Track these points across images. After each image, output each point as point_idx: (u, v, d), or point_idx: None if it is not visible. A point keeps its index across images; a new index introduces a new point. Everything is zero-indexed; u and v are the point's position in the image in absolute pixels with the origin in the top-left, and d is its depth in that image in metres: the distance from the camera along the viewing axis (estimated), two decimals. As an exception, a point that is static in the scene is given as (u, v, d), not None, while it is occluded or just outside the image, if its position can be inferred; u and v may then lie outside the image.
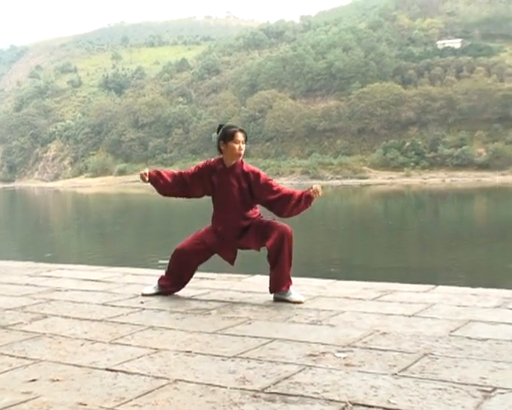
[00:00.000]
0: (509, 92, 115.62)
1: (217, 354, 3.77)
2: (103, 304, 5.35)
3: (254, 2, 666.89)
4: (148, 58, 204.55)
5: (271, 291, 5.32)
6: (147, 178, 5.62)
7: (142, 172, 5.64)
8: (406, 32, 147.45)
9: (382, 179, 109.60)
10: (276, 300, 5.24)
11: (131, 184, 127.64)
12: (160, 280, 5.69)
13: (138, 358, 3.74)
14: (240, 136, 5.40)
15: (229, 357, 3.70)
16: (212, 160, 5.64)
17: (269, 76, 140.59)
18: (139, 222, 38.67)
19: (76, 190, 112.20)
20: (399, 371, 3.33)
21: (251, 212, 5.51)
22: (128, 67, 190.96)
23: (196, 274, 6.82)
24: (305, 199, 5.31)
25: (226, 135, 5.42)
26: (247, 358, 3.67)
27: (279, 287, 5.27)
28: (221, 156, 5.52)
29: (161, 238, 27.30)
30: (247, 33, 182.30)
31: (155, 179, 5.64)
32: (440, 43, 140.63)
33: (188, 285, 5.98)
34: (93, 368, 3.57)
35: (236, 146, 5.38)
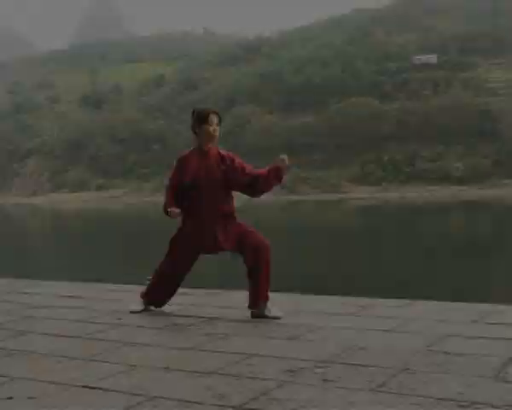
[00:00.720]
0: (485, 107, 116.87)
1: (194, 370, 3.75)
2: (81, 321, 5.31)
3: (232, 17, 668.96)
4: (126, 74, 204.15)
5: (249, 307, 5.29)
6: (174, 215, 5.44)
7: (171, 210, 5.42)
8: (383, 47, 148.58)
9: (361, 194, 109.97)
10: (254, 316, 5.22)
11: (110, 200, 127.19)
12: (144, 295, 5.64)
13: (115, 374, 3.72)
14: (213, 118, 5.39)
15: (206, 373, 3.68)
16: (186, 151, 5.61)
17: (247, 91, 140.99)
18: (118, 237, 38.45)
19: (54, 206, 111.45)
20: (377, 387, 3.33)
21: (230, 200, 5.47)
22: (106, 83, 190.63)
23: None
24: (274, 172, 5.31)
25: (200, 117, 5.41)
26: (225, 374, 3.65)
27: (256, 303, 5.24)
28: (195, 145, 5.50)
29: (140, 253, 27.17)
30: (225, 49, 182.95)
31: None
32: (417, 59, 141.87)
33: (166, 301, 5.98)
34: (70, 385, 3.54)
35: (211, 128, 5.36)
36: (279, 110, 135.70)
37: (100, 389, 3.46)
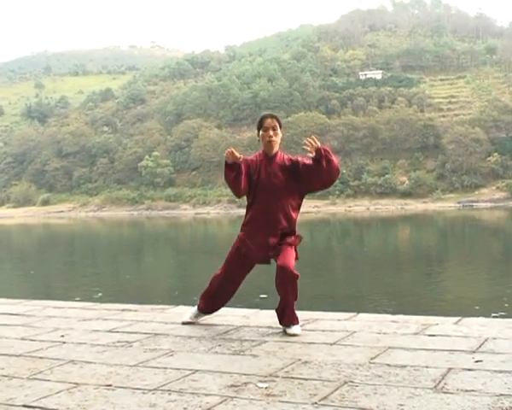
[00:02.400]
0: (429, 122, 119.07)
1: (137, 387, 3.73)
2: (22, 338, 5.22)
3: (179, 32, 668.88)
4: (72, 87, 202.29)
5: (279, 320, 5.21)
6: (231, 159, 5.04)
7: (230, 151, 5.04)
8: (329, 62, 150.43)
9: (308, 208, 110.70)
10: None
11: (55, 215, 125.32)
12: (199, 302, 5.57)
13: (57, 393, 3.66)
14: (269, 121, 5.14)
15: (150, 390, 3.65)
16: (256, 153, 5.37)
17: (194, 105, 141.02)
18: (62, 253, 37.93)
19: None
20: (319, 400, 3.36)
21: (293, 211, 5.26)
22: (51, 96, 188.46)
23: (118, 306, 6.74)
24: (320, 160, 5.02)
25: (258, 124, 5.19)
26: (169, 390, 3.63)
27: (281, 320, 5.16)
28: (262, 149, 5.26)
29: (84, 270, 26.86)
30: (173, 63, 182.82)
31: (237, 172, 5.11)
32: (362, 74, 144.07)
33: (110, 317, 5.92)
34: (10, 405, 3.48)
35: (266, 134, 5.15)
36: (227, 124, 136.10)
37: (41, 408, 3.41)
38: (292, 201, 5.25)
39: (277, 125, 5.16)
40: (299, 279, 5.07)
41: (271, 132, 5.12)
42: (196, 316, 5.59)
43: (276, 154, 5.22)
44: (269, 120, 5.14)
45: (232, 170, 5.05)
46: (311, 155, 5.05)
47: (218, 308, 5.59)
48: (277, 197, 5.15)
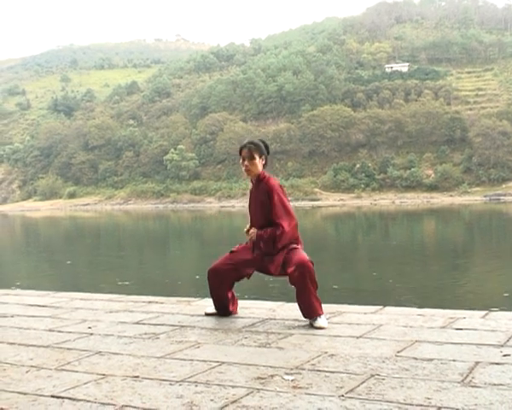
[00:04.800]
0: (455, 115, 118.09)
1: (164, 378, 3.74)
2: (50, 330, 5.27)
3: (204, 25, 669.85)
4: (98, 81, 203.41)
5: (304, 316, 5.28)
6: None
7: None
8: (355, 55, 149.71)
9: (333, 201, 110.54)
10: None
11: (81, 208, 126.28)
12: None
13: (85, 384, 3.69)
14: (244, 152, 5.47)
15: (176, 381, 3.67)
16: None
17: (219, 99, 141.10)
18: (88, 246, 38.21)
19: (25, 214, 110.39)
20: (346, 393, 3.35)
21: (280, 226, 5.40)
22: (77, 90, 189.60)
23: (144, 298, 6.77)
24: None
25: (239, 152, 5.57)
26: (195, 382, 3.65)
27: (306, 315, 5.19)
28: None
29: (111, 262, 27.03)
30: (198, 56, 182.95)
31: None
32: (388, 67, 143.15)
33: (136, 309, 5.95)
34: (38, 395, 3.51)
35: (242, 164, 5.52)
36: (252, 117, 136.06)
37: (69, 398, 3.44)
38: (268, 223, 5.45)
39: (254, 153, 5.44)
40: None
41: (246, 162, 5.44)
42: None
43: (262, 178, 5.50)
44: (244, 151, 5.46)
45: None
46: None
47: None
48: (258, 218, 5.47)
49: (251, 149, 5.44)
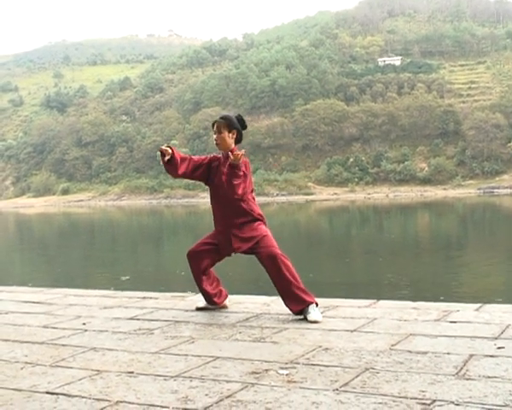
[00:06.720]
0: (448, 108, 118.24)
1: (159, 373, 3.75)
2: (44, 326, 5.26)
3: (197, 20, 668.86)
4: (91, 76, 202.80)
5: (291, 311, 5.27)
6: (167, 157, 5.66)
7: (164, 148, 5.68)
8: (347, 49, 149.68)
9: (327, 195, 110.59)
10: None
11: (75, 204, 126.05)
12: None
13: (79, 380, 3.69)
14: (215, 126, 5.54)
15: (171, 377, 3.67)
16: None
17: (212, 94, 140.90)
18: (82, 242, 38.15)
19: (18, 211, 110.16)
20: (341, 387, 3.36)
21: (246, 204, 5.43)
22: (70, 86, 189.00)
23: (138, 294, 6.77)
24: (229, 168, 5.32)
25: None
26: (190, 377, 3.65)
27: (291, 307, 5.20)
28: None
29: (104, 258, 27.00)
30: (190, 51, 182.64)
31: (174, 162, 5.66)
32: (381, 61, 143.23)
33: (131, 305, 5.95)
34: (33, 392, 3.51)
35: (213, 137, 5.57)
36: (245, 112, 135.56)
37: (64, 395, 3.44)
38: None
39: (222, 128, 5.49)
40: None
41: (215, 136, 5.54)
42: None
43: (228, 153, 5.47)
44: (215, 125, 5.55)
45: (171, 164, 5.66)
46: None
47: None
48: (224, 193, 5.40)
49: (219, 124, 5.50)
